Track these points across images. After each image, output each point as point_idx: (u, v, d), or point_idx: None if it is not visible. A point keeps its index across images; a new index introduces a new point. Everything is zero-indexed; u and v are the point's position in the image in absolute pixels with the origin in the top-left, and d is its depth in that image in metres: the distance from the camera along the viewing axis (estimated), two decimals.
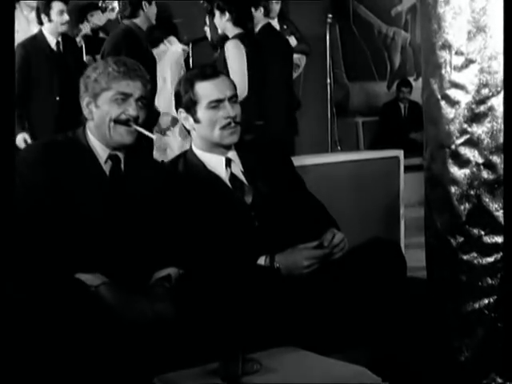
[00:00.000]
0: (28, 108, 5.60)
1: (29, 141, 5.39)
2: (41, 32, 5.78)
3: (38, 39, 5.76)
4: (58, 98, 5.64)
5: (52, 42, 5.75)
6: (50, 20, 5.69)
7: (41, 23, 5.77)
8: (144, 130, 2.90)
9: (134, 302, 2.68)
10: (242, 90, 4.78)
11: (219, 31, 5.30)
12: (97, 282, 2.67)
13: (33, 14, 6.16)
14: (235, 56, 5.06)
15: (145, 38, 5.32)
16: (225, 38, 5.26)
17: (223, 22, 5.22)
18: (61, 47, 5.78)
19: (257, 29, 5.58)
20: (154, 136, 2.91)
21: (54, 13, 5.67)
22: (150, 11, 5.18)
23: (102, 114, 2.86)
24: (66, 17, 5.71)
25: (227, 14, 5.17)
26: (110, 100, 2.85)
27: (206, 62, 5.98)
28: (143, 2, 5.10)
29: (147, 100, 2.93)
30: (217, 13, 5.21)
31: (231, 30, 5.22)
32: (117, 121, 2.85)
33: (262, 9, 5.65)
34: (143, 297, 2.73)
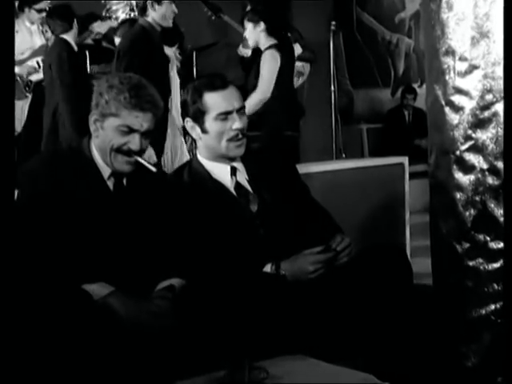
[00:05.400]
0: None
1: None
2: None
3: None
4: None
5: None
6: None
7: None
8: (145, 162, 2.87)
9: (142, 310, 2.68)
10: (265, 94, 4.84)
11: (250, 43, 5.25)
12: (104, 292, 2.67)
13: (34, 27, 6.21)
14: (270, 64, 5.06)
15: (158, 38, 5.24)
16: (256, 52, 5.26)
17: (257, 33, 5.18)
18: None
19: None
20: (154, 169, 2.87)
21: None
22: (161, 11, 5.10)
23: (106, 139, 2.83)
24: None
25: (262, 25, 5.13)
26: (116, 128, 2.80)
27: (209, 71, 6.00)
28: (149, 1, 5.05)
29: (154, 131, 2.88)
30: (249, 25, 5.15)
31: (265, 41, 5.19)
32: (118, 150, 2.82)
33: None
34: (148, 305, 2.73)
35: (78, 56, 5.98)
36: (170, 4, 5.07)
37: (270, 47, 5.18)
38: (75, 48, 5.93)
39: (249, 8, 5.53)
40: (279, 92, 5.19)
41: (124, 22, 6.62)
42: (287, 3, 6.27)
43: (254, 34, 5.22)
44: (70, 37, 5.89)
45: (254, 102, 5.03)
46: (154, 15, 5.06)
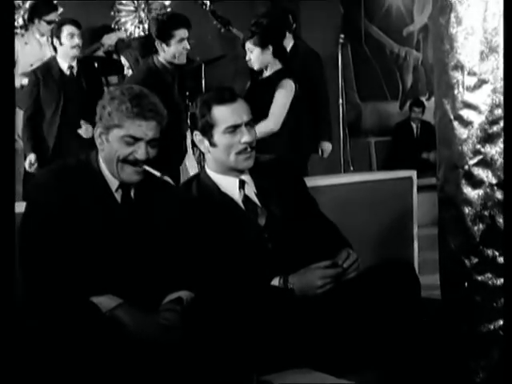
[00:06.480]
0: (39, 131, 5.65)
1: (33, 161, 5.52)
2: (54, 58, 5.77)
3: (50, 65, 5.75)
4: (82, 122, 5.62)
5: (64, 65, 5.74)
6: (60, 43, 5.68)
7: (54, 49, 5.77)
8: (152, 169, 2.86)
9: (150, 322, 2.68)
10: (276, 125, 4.83)
11: (256, 66, 5.15)
12: (112, 305, 2.67)
13: (44, 38, 6.21)
14: (286, 95, 5.00)
15: (170, 75, 5.17)
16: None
17: (266, 57, 5.11)
18: (74, 71, 5.76)
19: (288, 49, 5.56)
20: (158, 174, 2.87)
21: (63, 36, 5.66)
22: (171, 51, 5.02)
23: (112, 151, 2.83)
24: (76, 40, 5.67)
25: (270, 48, 5.08)
26: (120, 139, 2.81)
27: (217, 83, 6.00)
28: (156, 42, 5.00)
29: (160, 140, 2.87)
30: (256, 49, 5.06)
31: (273, 63, 5.14)
32: (125, 160, 2.83)
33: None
34: (157, 318, 2.73)
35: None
36: (180, 43, 5.00)
37: (289, 76, 5.08)
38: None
39: (252, 30, 5.41)
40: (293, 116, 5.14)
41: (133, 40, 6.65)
42: (289, 24, 6.22)
43: (264, 58, 5.12)
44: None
45: (264, 130, 4.96)
46: (164, 55, 5.02)
